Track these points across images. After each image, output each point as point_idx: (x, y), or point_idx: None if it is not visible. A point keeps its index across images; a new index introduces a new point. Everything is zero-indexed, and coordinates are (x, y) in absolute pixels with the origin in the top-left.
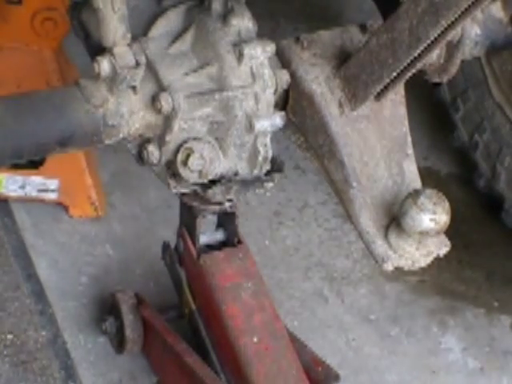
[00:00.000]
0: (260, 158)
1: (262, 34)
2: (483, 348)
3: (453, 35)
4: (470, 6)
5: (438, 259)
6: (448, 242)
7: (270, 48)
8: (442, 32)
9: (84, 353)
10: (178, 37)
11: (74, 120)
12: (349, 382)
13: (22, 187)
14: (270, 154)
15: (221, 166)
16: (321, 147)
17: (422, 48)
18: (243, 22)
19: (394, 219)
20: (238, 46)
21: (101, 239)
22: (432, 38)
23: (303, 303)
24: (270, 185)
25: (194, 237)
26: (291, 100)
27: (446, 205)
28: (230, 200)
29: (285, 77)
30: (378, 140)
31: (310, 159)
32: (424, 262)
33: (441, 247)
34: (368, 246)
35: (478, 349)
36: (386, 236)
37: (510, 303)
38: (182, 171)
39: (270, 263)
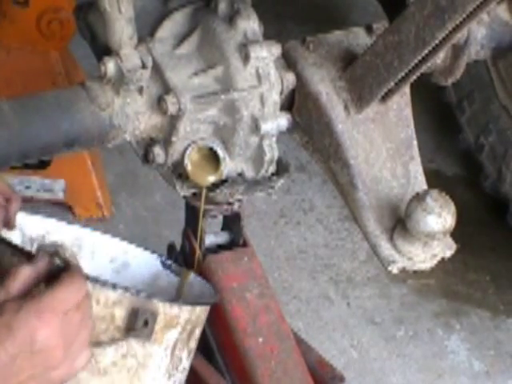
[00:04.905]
0: (266, 160)
1: (268, 36)
2: (489, 351)
3: (458, 37)
4: (475, 9)
5: (443, 262)
6: (453, 245)
7: (276, 49)
8: (448, 34)
9: None
10: (184, 38)
11: (80, 121)
12: None
13: (28, 188)
14: (275, 156)
15: (227, 167)
16: (326, 149)
17: (427, 50)
18: (249, 24)
19: (399, 221)
20: (244, 47)
21: None
22: (438, 41)
23: (308, 305)
24: (275, 186)
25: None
26: (297, 101)
27: (452, 207)
28: (239, 200)
29: (291, 78)
30: (384, 142)
31: (316, 161)
32: (429, 264)
33: (446, 249)
34: (373, 248)
35: (483, 352)
36: (391, 238)
37: None
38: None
39: (275, 265)
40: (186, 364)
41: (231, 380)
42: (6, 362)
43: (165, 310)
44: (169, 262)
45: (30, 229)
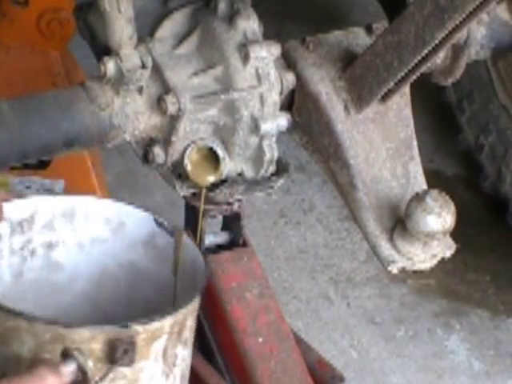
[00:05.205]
0: (265, 160)
1: (268, 36)
2: (488, 351)
3: (458, 37)
4: (475, 9)
5: (443, 262)
6: (453, 245)
7: (276, 49)
8: (448, 34)
9: None
10: (183, 38)
11: (80, 121)
12: None
13: (28, 188)
14: (275, 156)
15: (226, 167)
16: (326, 149)
17: (427, 50)
18: (249, 24)
19: (399, 221)
20: (244, 47)
21: None
22: (437, 41)
23: (308, 305)
24: (275, 186)
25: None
26: (297, 101)
27: (452, 207)
28: (239, 200)
29: (290, 78)
30: (384, 142)
31: (316, 161)
32: (429, 264)
33: (446, 249)
34: (373, 248)
35: (483, 351)
36: (391, 238)
37: None
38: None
39: (275, 265)
40: (183, 353)
41: (231, 380)
42: None
43: (145, 328)
44: (161, 220)
45: (17, 214)
